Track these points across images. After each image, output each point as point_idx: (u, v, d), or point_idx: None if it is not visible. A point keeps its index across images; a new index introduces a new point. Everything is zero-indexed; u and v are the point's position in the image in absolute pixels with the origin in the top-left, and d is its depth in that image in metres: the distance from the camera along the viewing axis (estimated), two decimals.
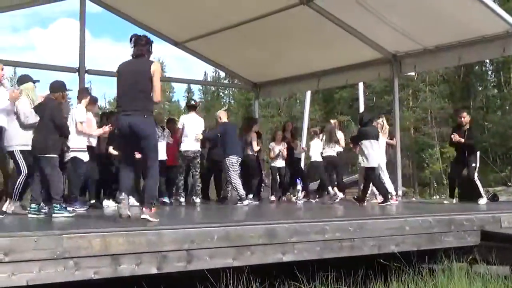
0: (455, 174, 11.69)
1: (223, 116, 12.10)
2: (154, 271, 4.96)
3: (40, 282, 4.44)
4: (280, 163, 13.61)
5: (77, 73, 13.67)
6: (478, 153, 11.27)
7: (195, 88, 67.44)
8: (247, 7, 13.36)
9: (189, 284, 5.56)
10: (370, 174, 11.02)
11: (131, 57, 6.70)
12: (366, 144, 10.84)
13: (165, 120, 13.42)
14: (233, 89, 55.38)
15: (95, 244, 4.68)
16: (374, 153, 10.90)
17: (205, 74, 61.36)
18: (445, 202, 11.39)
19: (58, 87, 7.92)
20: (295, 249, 5.78)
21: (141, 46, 6.60)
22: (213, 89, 62.12)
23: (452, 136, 11.44)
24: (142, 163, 6.94)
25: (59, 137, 7.73)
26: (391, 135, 13.18)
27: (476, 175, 11.16)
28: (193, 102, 14.04)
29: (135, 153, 6.95)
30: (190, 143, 11.48)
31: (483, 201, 10.92)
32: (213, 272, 5.35)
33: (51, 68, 15.77)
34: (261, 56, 15.27)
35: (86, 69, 13.87)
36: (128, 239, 4.84)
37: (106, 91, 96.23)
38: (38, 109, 7.69)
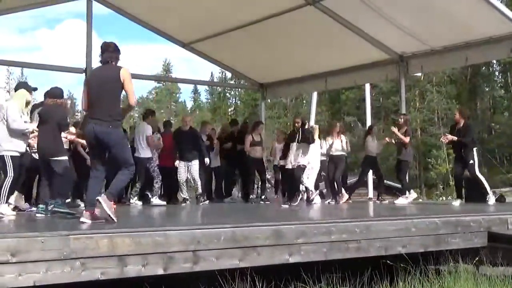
0: (458, 174, 11.69)
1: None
2: (160, 272, 4.96)
3: (47, 283, 4.45)
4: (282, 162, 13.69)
5: (83, 73, 13.71)
6: (475, 149, 11.20)
7: (202, 88, 67.67)
8: (254, 8, 13.37)
9: (194, 285, 5.57)
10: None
11: (99, 64, 6.61)
12: None
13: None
14: (240, 89, 55.44)
15: (102, 245, 4.68)
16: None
17: (211, 75, 61.52)
18: (453, 203, 11.34)
19: (60, 94, 8.16)
20: (302, 250, 5.78)
21: (109, 53, 6.49)
22: (220, 89, 62.14)
23: (441, 138, 11.61)
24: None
25: None
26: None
27: (477, 171, 11.14)
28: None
29: (104, 160, 6.65)
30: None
31: (491, 200, 10.91)
32: (218, 273, 5.35)
33: (57, 68, 15.85)
34: (268, 56, 15.29)
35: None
36: (134, 240, 4.84)
37: None
38: (43, 114, 7.79)
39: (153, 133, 12.10)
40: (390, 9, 12.24)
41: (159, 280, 5.21)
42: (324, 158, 12.82)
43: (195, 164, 12.34)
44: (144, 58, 79.90)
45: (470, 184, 12.00)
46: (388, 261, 6.41)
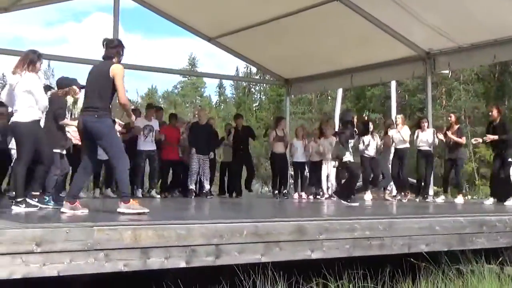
0: (495, 172, 11.54)
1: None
2: (183, 264, 4.98)
3: (71, 273, 4.49)
4: (300, 158, 13.78)
5: None
6: None
7: (227, 83, 67.64)
8: (280, 3, 13.36)
9: (215, 279, 5.58)
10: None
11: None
12: None
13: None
14: (265, 85, 55.37)
15: (125, 237, 4.71)
16: None
17: (236, 70, 61.47)
18: (485, 202, 11.23)
19: (63, 83, 8.12)
20: (324, 246, 5.76)
21: (110, 48, 6.57)
22: (245, 84, 62.11)
23: (484, 138, 11.45)
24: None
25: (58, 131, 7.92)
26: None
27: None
28: None
29: (93, 153, 6.66)
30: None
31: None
32: (239, 267, 5.36)
33: (84, 61, 15.90)
34: (293, 52, 15.25)
35: None
36: (157, 232, 4.86)
37: (138, 86, 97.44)
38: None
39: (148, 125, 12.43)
40: (417, 5, 12.13)
41: (180, 273, 5.22)
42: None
43: (207, 158, 12.82)
44: (170, 52, 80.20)
45: (500, 183, 11.89)
46: (411, 260, 6.36)
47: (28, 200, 6.96)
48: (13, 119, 6.97)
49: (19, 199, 6.79)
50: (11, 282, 4.30)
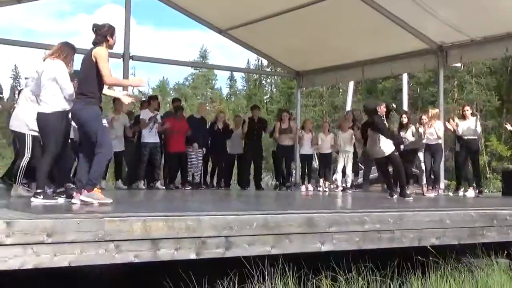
0: None
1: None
2: (193, 256, 5.00)
3: (81, 264, 4.52)
4: (307, 150, 13.86)
5: (121, 59, 13.86)
6: None
7: (238, 75, 67.62)
8: None
9: (223, 270, 5.59)
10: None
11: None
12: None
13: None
14: (276, 77, 55.30)
15: (136, 228, 4.73)
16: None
17: (247, 62, 61.43)
18: None
19: None
20: (334, 239, 5.76)
21: (97, 35, 6.59)
22: (256, 77, 62.04)
23: (505, 124, 11.31)
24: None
25: None
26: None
27: None
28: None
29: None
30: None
31: None
32: (248, 259, 5.36)
33: None
34: (305, 44, 15.22)
35: (131, 55, 14.08)
36: (168, 223, 4.88)
37: (149, 77, 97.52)
38: None
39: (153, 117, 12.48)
40: None
41: (188, 264, 5.24)
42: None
43: (201, 151, 13.40)
44: (181, 44, 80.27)
45: (508, 177, 11.84)
46: (420, 253, 6.35)
47: (47, 192, 6.95)
48: (38, 109, 6.88)
49: (39, 191, 6.74)
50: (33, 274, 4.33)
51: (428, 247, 6.30)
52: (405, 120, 12.46)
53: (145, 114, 12.40)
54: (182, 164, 12.94)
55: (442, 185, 13.23)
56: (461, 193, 12.23)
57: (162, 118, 12.91)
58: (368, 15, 13.20)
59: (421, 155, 12.56)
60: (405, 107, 22.09)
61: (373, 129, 9.97)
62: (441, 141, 12.41)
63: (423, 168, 12.57)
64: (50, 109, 6.73)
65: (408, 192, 10.18)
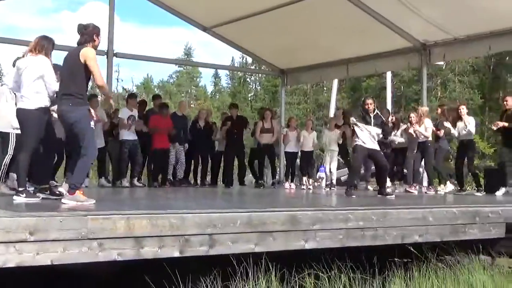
0: (503, 162, 11.51)
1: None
2: (176, 254, 4.99)
3: (64, 262, 4.50)
4: (292, 148, 13.91)
5: (105, 56, 13.79)
6: None
7: (222, 73, 67.49)
8: None
9: (207, 268, 5.59)
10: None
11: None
12: None
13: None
14: (260, 75, 55.27)
15: (119, 226, 4.72)
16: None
17: (232, 60, 61.33)
18: (497, 193, 11.10)
19: None
20: (318, 236, 5.78)
21: (83, 35, 6.55)
22: (240, 74, 61.97)
23: (492, 125, 11.38)
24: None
25: None
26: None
27: None
28: None
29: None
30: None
31: None
32: (232, 257, 5.36)
33: None
34: (289, 42, 15.21)
35: (115, 52, 14.02)
36: (151, 221, 4.87)
37: (133, 75, 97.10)
38: None
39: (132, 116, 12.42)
40: None
41: (173, 262, 5.23)
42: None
43: (182, 148, 13.43)
44: (165, 41, 79.95)
45: (491, 175, 11.92)
46: (404, 250, 6.39)
47: (29, 190, 6.88)
48: (19, 105, 6.79)
49: (20, 189, 6.65)
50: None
51: (411, 248, 6.34)
52: (392, 120, 12.51)
53: (124, 113, 12.35)
54: (165, 161, 12.93)
55: (425, 183, 13.25)
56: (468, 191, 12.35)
57: (146, 116, 12.87)
58: (352, 13, 13.21)
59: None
60: (389, 105, 22.12)
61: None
62: (430, 139, 12.39)
63: (422, 167, 12.58)
64: (33, 106, 6.66)
65: (388, 190, 10.23)
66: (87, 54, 6.33)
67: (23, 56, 6.90)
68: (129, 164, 12.49)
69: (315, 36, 14.72)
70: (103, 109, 12.01)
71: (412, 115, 12.64)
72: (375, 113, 10.07)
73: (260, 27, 14.74)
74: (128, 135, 12.23)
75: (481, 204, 7.93)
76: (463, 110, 12.04)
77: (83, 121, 6.37)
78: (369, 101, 10.11)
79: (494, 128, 11.51)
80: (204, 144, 14.01)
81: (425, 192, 12.09)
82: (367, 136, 9.92)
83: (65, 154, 9.82)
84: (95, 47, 6.62)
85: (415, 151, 12.38)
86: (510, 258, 6.84)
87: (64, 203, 6.12)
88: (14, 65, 7.22)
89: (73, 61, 6.40)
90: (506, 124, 11.09)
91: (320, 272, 5.73)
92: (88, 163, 6.48)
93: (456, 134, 12.00)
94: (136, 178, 12.48)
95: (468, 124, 11.84)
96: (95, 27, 6.67)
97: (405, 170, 13.07)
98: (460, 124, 11.92)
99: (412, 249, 6.34)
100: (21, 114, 6.75)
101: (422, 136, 12.11)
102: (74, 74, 6.38)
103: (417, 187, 12.36)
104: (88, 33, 6.55)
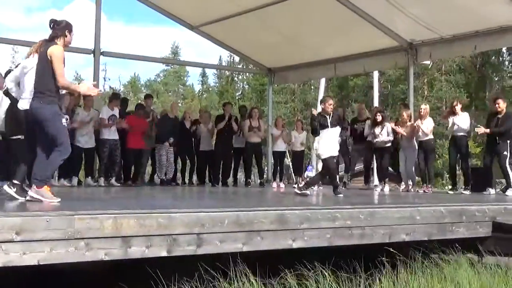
0: (487, 163, 11.49)
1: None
2: (164, 254, 4.98)
3: (51, 262, 4.47)
4: (280, 147, 13.94)
5: (92, 54, 13.75)
6: (509, 141, 10.96)
7: (210, 72, 67.45)
8: None
9: (195, 267, 5.57)
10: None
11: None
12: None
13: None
14: (248, 74, 55.29)
15: (106, 226, 4.69)
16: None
17: (219, 59, 61.32)
18: (484, 193, 11.11)
19: None
20: (305, 235, 5.78)
21: (55, 30, 6.47)
22: (228, 73, 61.99)
23: (476, 129, 11.41)
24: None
25: None
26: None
27: (508, 164, 10.95)
28: None
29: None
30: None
31: (510, 192, 10.76)
32: (220, 256, 5.35)
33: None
34: (277, 41, 15.23)
35: (101, 51, 13.99)
36: (139, 221, 4.85)
37: (120, 73, 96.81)
38: None
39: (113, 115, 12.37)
40: None
41: (161, 262, 5.21)
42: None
43: (172, 149, 13.49)
44: (152, 40, 79.73)
45: (477, 174, 11.96)
46: (391, 249, 6.40)
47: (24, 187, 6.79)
48: (25, 105, 6.51)
49: (15, 182, 6.53)
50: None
51: (398, 247, 6.35)
52: (379, 118, 12.49)
53: (105, 112, 12.27)
54: (138, 161, 12.94)
55: (411, 182, 13.28)
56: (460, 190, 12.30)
57: (123, 116, 12.81)
58: (340, 12, 13.24)
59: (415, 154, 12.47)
60: (376, 104, 22.16)
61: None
62: (431, 137, 12.38)
63: (422, 167, 12.54)
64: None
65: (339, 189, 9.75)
66: (52, 51, 6.25)
67: (28, 56, 6.82)
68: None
69: (303, 35, 14.75)
70: (105, 107, 12.15)
71: (404, 113, 12.66)
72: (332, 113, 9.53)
73: (247, 26, 14.75)
74: (109, 134, 12.18)
75: (468, 203, 7.97)
76: (457, 107, 12.01)
77: (53, 119, 6.26)
78: (331, 101, 9.57)
79: (479, 132, 11.54)
80: (191, 144, 14.00)
81: (424, 191, 12.08)
82: (327, 143, 9.41)
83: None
84: (67, 43, 6.55)
85: (415, 150, 12.36)
86: (497, 256, 6.87)
87: (29, 196, 6.05)
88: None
89: (42, 58, 6.32)
90: (487, 130, 11.13)
91: (306, 271, 5.72)
92: (59, 159, 6.34)
93: (452, 128, 11.90)
94: (115, 177, 12.41)
95: (462, 119, 11.83)
96: (68, 24, 6.58)
97: (390, 169, 13.12)
98: (454, 119, 11.86)
99: (399, 248, 6.35)
100: (32, 114, 6.49)
101: (421, 134, 12.14)
102: (43, 71, 6.29)
103: (411, 186, 12.42)
104: (59, 29, 6.47)
